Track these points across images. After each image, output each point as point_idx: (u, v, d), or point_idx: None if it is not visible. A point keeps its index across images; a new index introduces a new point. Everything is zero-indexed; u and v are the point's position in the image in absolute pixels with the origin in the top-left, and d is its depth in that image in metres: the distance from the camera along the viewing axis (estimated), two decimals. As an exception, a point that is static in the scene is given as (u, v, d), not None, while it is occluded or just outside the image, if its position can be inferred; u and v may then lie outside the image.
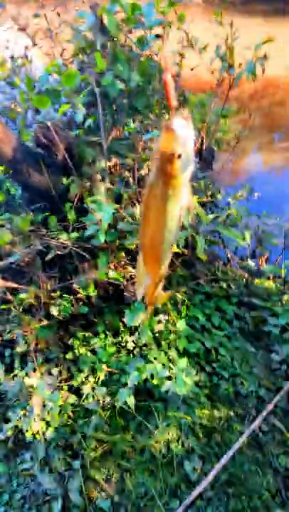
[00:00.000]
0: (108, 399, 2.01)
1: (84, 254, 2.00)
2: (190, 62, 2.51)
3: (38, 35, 2.82)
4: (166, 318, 2.27)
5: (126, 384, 1.97)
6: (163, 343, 2.20)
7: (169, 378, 2.02)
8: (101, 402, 2.00)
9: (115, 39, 1.82)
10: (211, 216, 1.98)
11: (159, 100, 1.99)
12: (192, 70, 2.43)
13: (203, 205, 2.67)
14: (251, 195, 3.02)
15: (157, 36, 1.99)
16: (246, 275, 2.76)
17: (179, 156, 0.82)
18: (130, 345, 2.19)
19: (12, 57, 2.11)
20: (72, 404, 1.98)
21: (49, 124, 1.65)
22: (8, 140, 1.71)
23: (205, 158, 3.21)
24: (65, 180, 1.86)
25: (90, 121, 1.71)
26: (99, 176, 1.98)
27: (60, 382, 2.07)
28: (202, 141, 3.08)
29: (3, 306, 1.91)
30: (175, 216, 0.93)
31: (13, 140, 1.75)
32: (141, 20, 1.86)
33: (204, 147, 3.14)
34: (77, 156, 1.87)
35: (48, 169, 1.85)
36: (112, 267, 2.09)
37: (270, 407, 1.97)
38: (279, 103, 5.79)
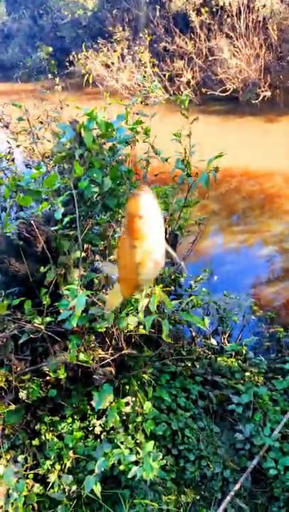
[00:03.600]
0: (74, 487, 1.98)
1: (55, 337, 2.09)
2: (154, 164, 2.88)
3: (20, 132, 3.14)
4: (134, 399, 2.33)
5: (93, 471, 1.96)
6: (130, 426, 2.24)
7: (136, 463, 2.04)
8: (67, 491, 1.97)
9: (91, 150, 2.11)
10: (174, 302, 2.17)
11: (127, 199, 2.26)
12: (156, 175, 2.78)
13: (167, 286, 2.87)
14: (212, 277, 3.30)
15: (126, 143, 2.32)
16: (210, 353, 2.91)
17: (141, 217, 1.12)
18: (98, 430, 2.21)
19: (-3, 156, 2.36)
20: (37, 494, 1.94)
21: (31, 221, 1.85)
22: (-8, 234, 1.88)
23: (169, 242, 3.51)
24: (42, 269, 2.01)
25: (67, 219, 1.92)
26: (73, 265, 2.15)
27: (26, 470, 2.03)
28: (166, 228, 3.39)
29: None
30: (145, 261, 1.20)
31: (-3, 233, 1.92)
32: (113, 134, 2.19)
33: (168, 233, 3.44)
34: (54, 247, 2.05)
35: (27, 258, 2.01)
36: (82, 349, 2.18)
37: (236, 486, 2.01)
38: (234, 190, 6.39)
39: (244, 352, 2.87)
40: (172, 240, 3.52)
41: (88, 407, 2.27)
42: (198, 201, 3.03)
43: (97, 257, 2.58)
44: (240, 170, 6.65)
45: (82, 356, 2.14)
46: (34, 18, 15.63)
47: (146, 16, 11.61)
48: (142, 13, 11.73)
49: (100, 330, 2.17)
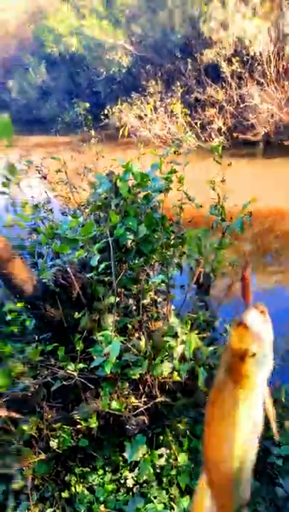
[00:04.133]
0: None
1: (88, 384, 2.08)
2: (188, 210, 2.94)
3: (57, 183, 3.32)
4: (168, 451, 2.23)
5: (125, 528, 1.87)
6: (164, 479, 2.13)
7: (171, 521, 1.92)
8: None
9: (127, 199, 2.18)
10: (210, 348, 2.12)
11: (162, 245, 2.29)
12: (190, 221, 2.83)
13: (201, 330, 2.82)
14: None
15: (160, 192, 2.39)
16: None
17: (253, 355, 0.75)
18: (130, 482, 2.12)
19: (36, 206, 2.49)
20: None
21: (68, 268, 1.90)
22: (30, 280, 1.95)
23: (202, 284, 3.48)
24: (76, 314, 2.04)
25: (102, 266, 1.96)
26: (107, 310, 2.17)
27: (55, 525, 1.95)
28: (200, 271, 3.38)
29: (5, 438, 1.91)
30: (245, 426, 0.78)
31: (34, 279, 1.98)
32: (148, 184, 2.27)
33: (202, 275, 3.43)
34: (89, 293, 2.09)
35: (62, 304, 2.05)
36: (115, 397, 2.15)
37: None
38: (268, 230, 6.35)
39: (283, 399, 2.72)
40: (204, 282, 3.50)
41: (120, 458, 2.20)
42: (232, 243, 3.03)
43: (131, 301, 2.59)
44: (273, 210, 6.65)
45: (114, 404, 2.10)
46: (71, 76, 16.91)
47: (178, 69, 12.27)
48: (174, 67, 12.42)
49: (133, 377, 2.14)
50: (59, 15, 16.33)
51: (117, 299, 2.14)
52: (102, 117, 11.43)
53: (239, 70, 10.44)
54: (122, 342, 2.01)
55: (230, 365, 0.77)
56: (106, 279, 2.07)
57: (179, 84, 11.12)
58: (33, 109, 17.43)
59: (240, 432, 0.78)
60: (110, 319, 2.14)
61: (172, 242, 2.43)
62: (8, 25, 19.40)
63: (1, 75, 19.09)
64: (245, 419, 0.77)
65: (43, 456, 2.05)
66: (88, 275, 2.06)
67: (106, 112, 11.56)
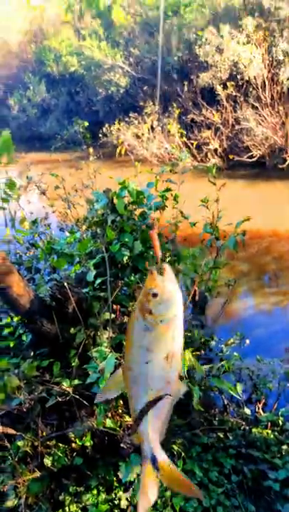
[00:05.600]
0: None
1: (83, 401, 2.06)
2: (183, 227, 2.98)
3: (56, 198, 3.36)
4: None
5: None
6: (158, 501, 2.10)
7: None
8: None
9: (123, 216, 2.22)
10: (205, 367, 2.12)
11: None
12: (185, 240, 2.86)
13: (197, 349, 2.82)
14: (243, 341, 3.20)
15: (156, 208, 2.43)
16: (243, 424, 2.74)
17: (154, 295, 1.01)
18: (124, 503, 2.08)
19: (35, 221, 2.52)
20: None
21: (65, 283, 1.92)
22: (27, 295, 1.95)
23: (198, 304, 3.49)
24: (72, 330, 2.04)
25: (98, 281, 1.98)
26: (102, 326, 2.17)
27: None
28: (195, 290, 3.40)
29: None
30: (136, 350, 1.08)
31: (31, 294, 1.99)
32: (144, 201, 2.31)
33: (197, 294, 3.44)
34: (85, 308, 2.10)
35: (58, 319, 2.05)
36: (110, 415, 2.13)
37: None
38: (264, 251, 6.39)
39: (281, 423, 2.70)
40: (201, 301, 3.52)
41: (114, 478, 2.17)
42: (227, 263, 3.06)
43: (126, 318, 2.60)
44: (269, 232, 6.71)
45: (109, 422, 2.08)
46: (71, 95, 17.21)
47: (174, 91, 12.54)
48: (171, 88, 12.71)
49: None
50: (60, 35, 16.77)
51: (113, 316, 2.14)
52: (101, 135, 11.61)
53: (234, 93, 10.68)
54: (116, 359, 2.01)
55: (141, 302, 1.03)
56: (102, 294, 2.09)
57: (175, 105, 11.34)
58: (33, 126, 17.66)
59: (129, 352, 1.10)
60: (106, 335, 2.15)
61: (168, 260, 2.46)
62: (10, 44, 19.84)
63: (3, 92, 19.42)
64: (136, 344, 1.08)
65: (37, 474, 2.02)
66: (84, 290, 2.07)
67: (104, 130, 11.74)
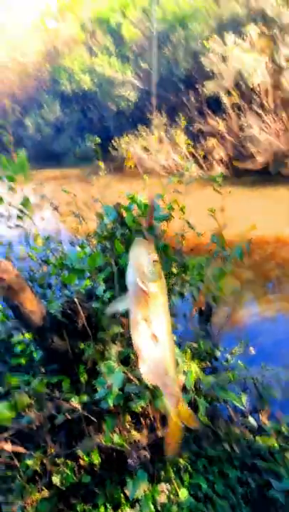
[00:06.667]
0: None
1: (91, 417, 2.06)
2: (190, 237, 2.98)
3: (67, 214, 3.40)
4: (169, 488, 2.17)
5: None
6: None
7: None
8: None
9: (132, 228, 2.25)
10: (210, 377, 2.10)
11: (165, 274, 2.32)
12: (192, 250, 2.88)
13: (202, 359, 2.79)
14: (248, 348, 3.16)
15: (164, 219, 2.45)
16: (248, 433, 2.70)
17: (155, 261, 1.32)
18: (131, 521, 2.05)
19: (48, 238, 2.56)
20: None
21: (75, 299, 1.94)
22: (39, 311, 1.97)
23: (204, 313, 3.47)
24: (82, 345, 2.06)
25: (108, 295, 2.00)
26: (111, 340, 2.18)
27: None
28: (201, 300, 3.38)
29: (8, 473, 1.88)
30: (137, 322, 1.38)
31: (43, 311, 2.01)
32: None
33: (203, 303, 3.42)
34: (94, 323, 2.11)
35: (69, 335, 2.07)
36: (117, 430, 2.12)
37: None
38: (269, 257, 6.35)
39: (283, 429, 2.64)
40: (207, 310, 3.50)
41: (122, 495, 2.14)
42: (233, 271, 3.04)
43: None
44: (273, 238, 6.68)
45: (116, 438, 2.07)
46: (84, 112, 17.54)
47: (181, 101, 12.69)
48: (178, 99, 12.85)
49: (135, 409, 2.12)
50: (73, 54, 17.18)
51: (121, 330, 2.15)
52: (110, 150, 11.77)
53: (238, 101, 10.76)
54: (124, 373, 2.01)
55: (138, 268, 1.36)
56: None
57: (182, 116, 11.45)
58: (47, 144, 17.98)
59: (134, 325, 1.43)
60: (114, 350, 2.15)
61: (175, 271, 2.46)
62: (28, 67, 20.34)
63: (20, 113, 19.84)
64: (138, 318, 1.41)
65: (46, 493, 2.01)
66: (94, 305, 2.09)
67: (114, 143, 11.90)
